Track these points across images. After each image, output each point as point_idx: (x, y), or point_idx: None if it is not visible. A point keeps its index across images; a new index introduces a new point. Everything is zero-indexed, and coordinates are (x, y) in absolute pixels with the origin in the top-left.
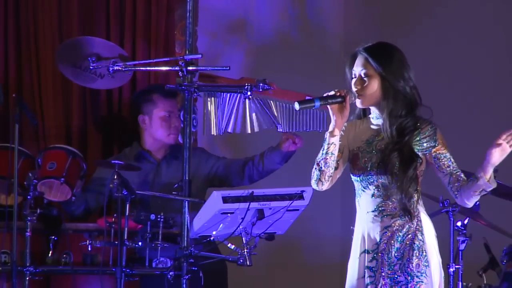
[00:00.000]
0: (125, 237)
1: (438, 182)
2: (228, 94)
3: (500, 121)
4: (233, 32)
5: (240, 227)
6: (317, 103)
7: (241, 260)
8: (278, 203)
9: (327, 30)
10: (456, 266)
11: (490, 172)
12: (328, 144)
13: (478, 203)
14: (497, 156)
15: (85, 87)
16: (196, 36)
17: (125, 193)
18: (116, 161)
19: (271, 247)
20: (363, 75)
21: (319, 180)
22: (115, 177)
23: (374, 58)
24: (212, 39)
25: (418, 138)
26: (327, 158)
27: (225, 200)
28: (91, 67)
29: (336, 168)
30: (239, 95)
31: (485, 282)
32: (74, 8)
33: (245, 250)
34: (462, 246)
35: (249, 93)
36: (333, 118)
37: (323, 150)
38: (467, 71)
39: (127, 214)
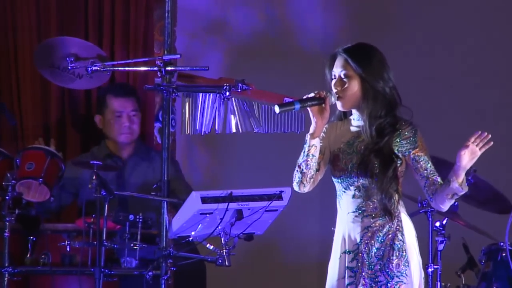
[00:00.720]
0: (104, 238)
1: (417, 183)
2: (207, 95)
3: (479, 121)
4: (212, 33)
5: (219, 227)
6: (297, 106)
7: (220, 261)
8: (257, 204)
9: (306, 30)
10: (435, 266)
11: (461, 175)
12: (309, 146)
13: (456, 203)
14: (466, 159)
15: (64, 88)
16: (175, 37)
17: (103, 194)
18: (95, 162)
19: (250, 248)
20: (343, 76)
21: (301, 182)
22: (94, 177)
23: (354, 59)
24: (191, 39)
25: (399, 139)
26: (308, 160)
27: (204, 200)
28: (69, 68)
29: (317, 170)
30: (217, 95)
31: (463, 282)
32: (52, 8)
33: (224, 250)
34: (440, 247)
35: (227, 93)
36: (313, 120)
37: (304, 152)
38: (446, 71)
39: (105, 214)
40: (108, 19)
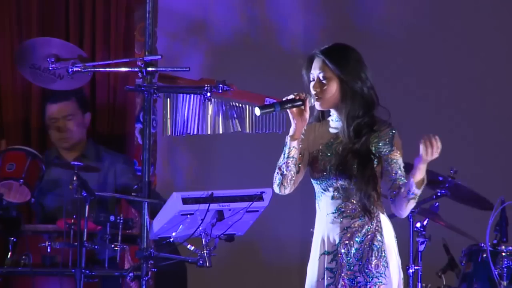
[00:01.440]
0: (85, 239)
1: None
2: (188, 95)
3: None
4: (192, 33)
5: (200, 228)
6: (277, 108)
7: (201, 261)
8: (238, 204)
9: (287, 31)
10: (416, 267)
11: (417, 176)
12: (289, 148)
13: (437, 204)
14: (420, 160)
15: (45, 88)
16: (156, 37)
17: (84, 195)
18: (76, 163)
19: (231, 248)
20: (321, 78)
21: (281, 184)
22: (75, 178)
23: (331, 60)
24: (172, 40)
25: (377, 140)
26: (288, 162)
27: (185, 201)
28: (50, 68)
29: (297, 172)
30: (198, 96)
31: (444, 283)
32: (33, 9)
33: (205, 251)
34: (421, 247)
35: (208, 94)
36: (293, 122)
37: (284, 154)
38: (424, 70)
39: (86, 215)
40: (89, 19)
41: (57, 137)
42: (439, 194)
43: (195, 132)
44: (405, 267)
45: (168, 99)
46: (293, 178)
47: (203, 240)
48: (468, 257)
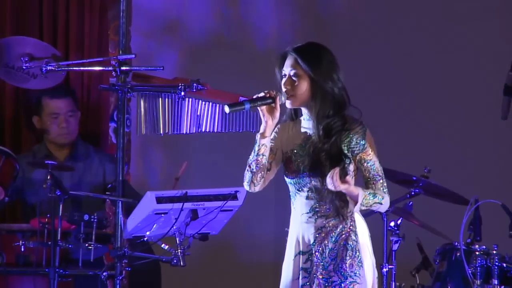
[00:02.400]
0: (59, 238)
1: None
2: (162, 94)
3: (430, 122)
4: (166, 32)
5: (174, 227)
6: (247, 106)
7: (175, 261)
8: (212, 204)
9: (261, 30)
10: (390, 266)
11: (354, 199)
12: (259, 145)
13: (411, 203)
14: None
15: (18, 87)
16: (130, 36)
17: (58, 193)
18: (50, 162)
19: (205, 248)
20: (292, 75)
21: (251, 182)
22: (48, 177)
23: (303, 58)
24: (146, 39)
25: (348, 139)
26: (258, 160)
27: (159, 200)
28: (24, 67)
29: (268, 170)
30: (172, 95)
31: (418, 282)
32: (6, 7)
33: (179, 250)
34: (395, 246)
35: (182, 93)
36: (263, 119)
37: (254, 152)
38: (397, 69)
39: (60, 214)
40: (62, 19)
41: (58, 133)
42: (412, 193)
43: (169, 132)
44: (379, 266)
45: (142, 98)
46: (263, 176)
47: (177, 239)
48: (442, 256)
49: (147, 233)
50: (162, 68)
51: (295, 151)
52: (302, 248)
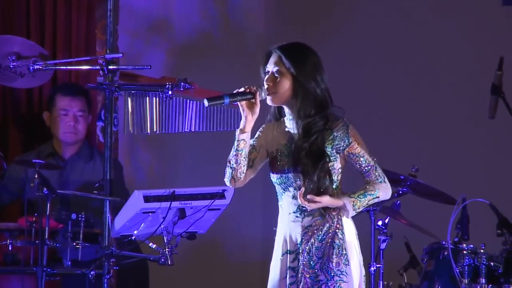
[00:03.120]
0: (46, 237)
1: (358, 181)
2: (149, 93)
3: (418, 121)
4: (154, 31)
5: (162, 226)
6: (226, 100)
7: (163, 260)
8: (200, 202)
9: (248, 29)
10: (377, 265)
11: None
12: (238, 141)
13: (398, 202)
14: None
15: (5, 86)
16: (117, 35)
17: (45, 192)
18: (37, 160)
19: (193, 246)
20: (275, 73)
21: (231, 178)
22: (36, 176)
23: (287, 57)
24: (133, 38)
25: (331, 137)
26: (237, 156)
27: (147, 199)
28: (11, 66)
29: (250, 167)
30: (160, 94)
31: (405, 281)
32: None
33: (167, 249)
34: (383, 245)
35: (170, 92)
36: (243, 115)
37: (233, 148)
38: (386, 67)
39: (48, 213)
40: (50, 17)
41: (65, 130)
42: (400, 192)
43: (157, 131)
44: (366, 265)
45: (130, 97)
46: (244, 172)
47: (164, 238)
48: (430, 255)
49: (135, 232)
50: (149, 67)
51: (280, 151)
52: (290, 247)
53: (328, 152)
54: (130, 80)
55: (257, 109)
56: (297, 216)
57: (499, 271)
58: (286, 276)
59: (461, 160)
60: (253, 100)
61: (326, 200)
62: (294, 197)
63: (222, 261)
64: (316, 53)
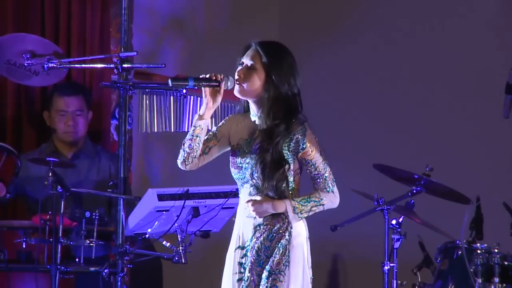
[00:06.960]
0: (60, 235)
1: (372, 180)
2: (164, 92)
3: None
4: (168, 30)
5: (175, 224)
6: (191, 83)
7: (176, 258)
8: (213, 201)
9: (262, 28)
10: (391, 264)
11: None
12: (195, 126)
13: (412, 201)
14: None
15: (20, 84)
16: (131, 34)
17: (60, 190)
18: (51, 158)
19: (206, 245)
20: (249, 65)
21: (183, 160)
22: (50, 174)
23: (265, 54)
24: (148, 36)
25: (288, 140)
26: (191, 140)
27: (161, 197)
28: (25, 64)
29: (206, 153)
30: (174, 92)
31: (419, 280)
32: (8, 4)
33: (180, 247)
34: (396, 245)
35: (184, 90)
36: (204, 101)
37: (189, 132)
38: (400, 67)
39: (62, 211)
40: (64, 16)
41: (64, 130)
42: (414, 191)
43: (171, 129)
44: (380, 264)
45: (144, 96)
46: (196, 157)
47: (178, 236)
48: (444, 254)
49: (149, 230)
50: (163, 65)
51: (240, 145)
52: (241, 242)
53: (285, 154)
54: (145, 78)
55: (219, 98)
56: (250, 213)
57: None
58: (236, 272)
59: (475, 159)
60: (217, 88)
61: (266, 205)
62: (250, 193)
63: None
64: (293, 57)
